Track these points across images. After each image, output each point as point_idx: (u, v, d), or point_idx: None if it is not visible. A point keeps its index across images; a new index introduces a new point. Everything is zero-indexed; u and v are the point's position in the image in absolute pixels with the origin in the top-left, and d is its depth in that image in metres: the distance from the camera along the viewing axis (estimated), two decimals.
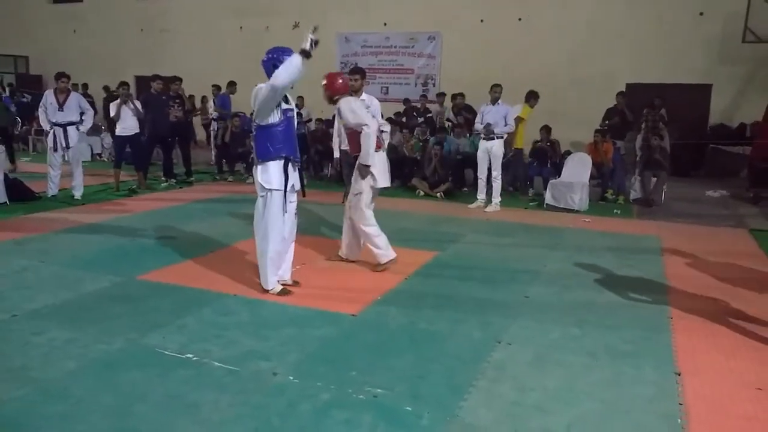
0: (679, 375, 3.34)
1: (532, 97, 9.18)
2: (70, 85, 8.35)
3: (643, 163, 9.20)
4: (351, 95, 5.21)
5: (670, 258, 5.86)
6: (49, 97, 8.14)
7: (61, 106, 8.06)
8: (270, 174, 4.29)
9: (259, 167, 4.33)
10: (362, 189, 5.12)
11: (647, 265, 5.58)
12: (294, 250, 4.69)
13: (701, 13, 11.76)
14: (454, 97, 11.20)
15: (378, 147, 5.11)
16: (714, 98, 11.99)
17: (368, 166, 5.01)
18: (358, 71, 5.63)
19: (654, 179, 8.89)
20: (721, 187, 10.01)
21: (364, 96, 5.99)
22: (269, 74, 4.18)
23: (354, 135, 5.12)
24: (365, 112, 5.07)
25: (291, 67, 4.01)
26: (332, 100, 5.15)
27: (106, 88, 15.08)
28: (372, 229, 5.18)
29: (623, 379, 3.29)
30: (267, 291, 4.46)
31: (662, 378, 3.31)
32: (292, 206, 4.52)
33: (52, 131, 8.09)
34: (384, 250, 5.20)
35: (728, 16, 11.45)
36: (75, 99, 8.25)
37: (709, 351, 3.70)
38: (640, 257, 5.84)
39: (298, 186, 4.52)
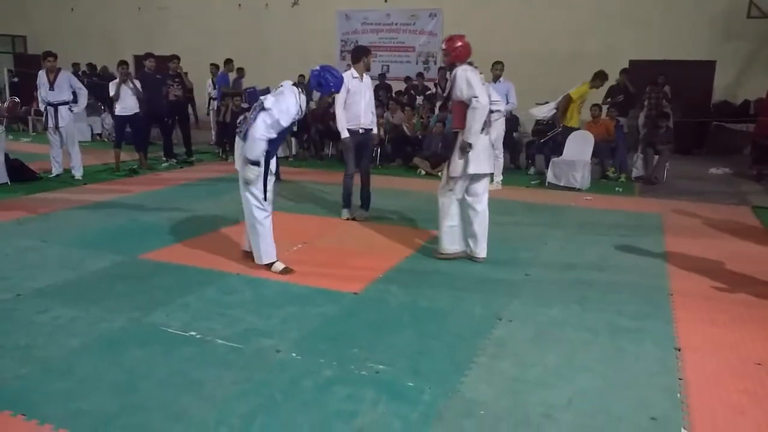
0: (679, 350, 3.36)
1: (597, 78, 8.38)
2: (57, 64, 8.24)
3: (646, 140, 9.15)
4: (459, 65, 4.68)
5: (672, 235, 5.86)
6: (41, 77, 8.11)
7: (51, 86, 8.02)
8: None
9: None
10: (454, 171, 4.70)
11: (649, 242, 5.57)
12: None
13: None
14: (439, 69, 11.10)
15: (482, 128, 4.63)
16: (717, 75, 11.88)
17: (470, 145, 4.56)
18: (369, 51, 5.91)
19: (656, 157, 8.85)
20: (724, 164, 9.97)
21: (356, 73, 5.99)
22: (311, 85, 4.41)
23: (461, 108, 4.66)
24: (480, 85, 4.59)
25: (257, 149, 4.15)
26: (452, 67, 4.74)
27: (92, 67, 14.99)
28: (445, 217, 4.83)
29: (624, 355, 3.31)
30: (268, 265, 4.48)
31: (662, 353, 3.33)
32: (270, 184, 4.46)
33: (45, 111, 8.08)
34: (444, 243, 4.88)
35: None
36: (65, 78, 8.19)
37: (709, 327, 3.71)
38: (641, 235, 5.83)
39: (274, 169, 4.54)
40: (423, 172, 9.34)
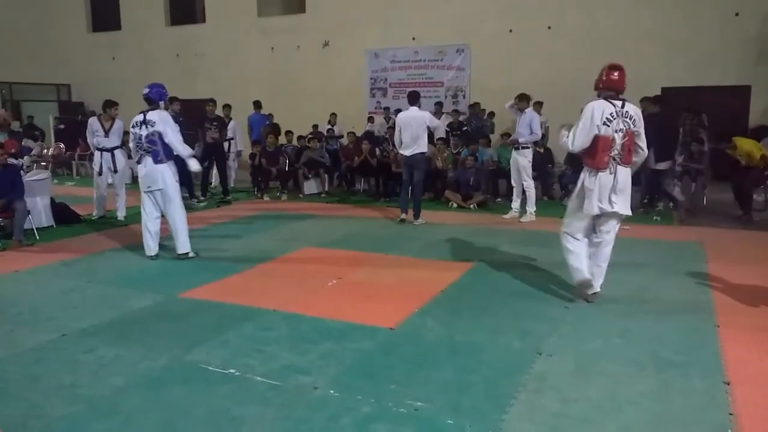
0: (729, 384, 3.24)
1: None
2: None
3: (683, 168, 8.98)
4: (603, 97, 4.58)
5: (715, 264, 5.70)
6: (94, 124, 8.49)
7: (107, 133, 8.40)
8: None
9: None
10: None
11: (691, 272, 5.43)
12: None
13: (737, 14, 11.51)
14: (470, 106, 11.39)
15: (600, 166, 4.38)
16: (753, 99, 11.67)
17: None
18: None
19: (693, 184, 8.67)
20: (766, 190, 9.68)
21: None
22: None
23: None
24: (588, 125, 4.39)
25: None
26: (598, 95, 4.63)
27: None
28: (566, 254, 4.68)
29: (670, 389, 3.21)
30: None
31: (711, 387, 3.22)
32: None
33: (99, 156, 8.42)
34: (573, 272, 4.67)
35: (765, 16, 11.20)
36: (119, 126, 8.60)
37: (759, 360, 3.58)
38: (682, 264, 5.69)
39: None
40: (455, 205, 9.34)
